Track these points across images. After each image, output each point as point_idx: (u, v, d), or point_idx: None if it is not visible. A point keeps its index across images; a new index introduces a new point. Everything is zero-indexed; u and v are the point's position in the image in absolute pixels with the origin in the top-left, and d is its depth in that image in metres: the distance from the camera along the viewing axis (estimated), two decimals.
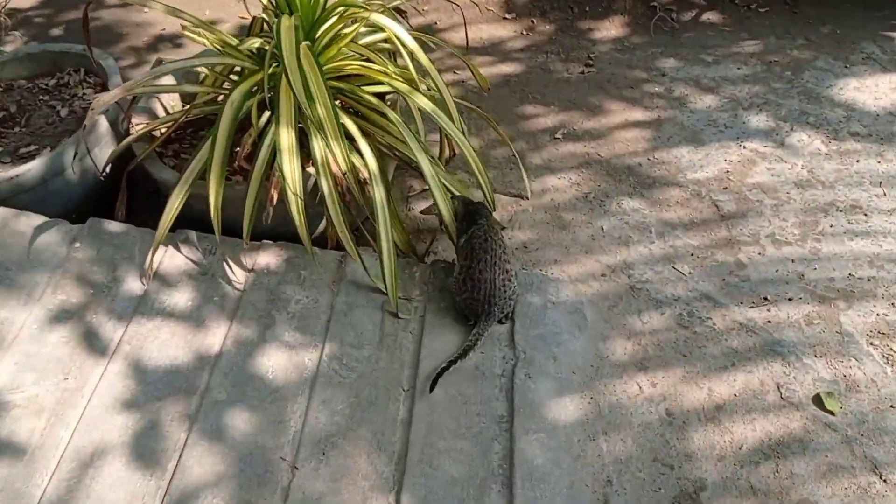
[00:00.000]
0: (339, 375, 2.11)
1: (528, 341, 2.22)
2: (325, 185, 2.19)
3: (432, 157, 2.52)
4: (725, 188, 2.82)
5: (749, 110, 3.17)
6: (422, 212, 2.76)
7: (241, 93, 2.27)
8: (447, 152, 2.87)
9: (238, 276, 2.33)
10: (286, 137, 2.16)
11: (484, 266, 2.20)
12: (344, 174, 2.15)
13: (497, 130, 2.78)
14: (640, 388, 2.17)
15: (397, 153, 2.50)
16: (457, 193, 2.49)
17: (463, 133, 2.54)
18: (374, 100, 2.42)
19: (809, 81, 3.31)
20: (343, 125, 2.27)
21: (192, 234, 2.42)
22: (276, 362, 2.12)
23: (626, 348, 2.27)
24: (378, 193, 2.26)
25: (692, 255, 2.57)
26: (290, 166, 2.14)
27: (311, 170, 2.33)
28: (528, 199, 2.82)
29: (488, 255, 2.22)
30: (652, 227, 2.68)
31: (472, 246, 2.25)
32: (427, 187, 2.36)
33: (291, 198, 2.13)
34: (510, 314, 2.28)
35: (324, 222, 2.53)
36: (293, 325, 2.22)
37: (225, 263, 2.35)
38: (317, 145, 2.17)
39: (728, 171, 2.89)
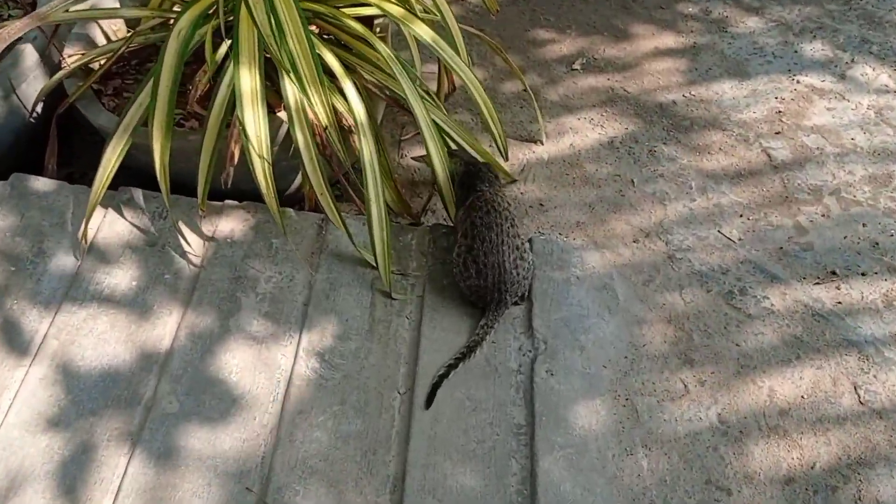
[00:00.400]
0: (319, 377, 1.71)
1: (550, 327, 1.83)
2: (300, 137, 1.75)
3: (429, 95, 2.07)
4: (778, 132, 2.38)
5: (801, 36, 2.70)
6: (414, 158, 2.31)
7: (191, 19, 1.80)
8: (446, 86, 2.42)
9: (195, 247, 1.91)
10: (248, 80, 1.70)
11: (489, 247, 1.78)
12: (325, 128, 1.70)
13: (507, 61, 2.33)
14: (686, 386, 1.79)
15: (387, 92, 2.05)
16: (468, 149, 2.05)
17: (469, 68, 2.08)
18: (359, 27, 1.95)
19: (869, 2, 2.83)
20: (321, 59, 1.81)
21: (138, 193, 1.98)
22: (241, 361, 1.72)
23: (665, 335, 1.88)
24: (366, 147, 1.82)
25: (741, 216, 2.15)
26: (253, 116, 1.69)
27: (282, 114, 1.88)
28: (542, 144, 2.38)
29: (492, 232, 1.80)
30: (692, 181, 2.26)
31: (473, 221, 1.83)
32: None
33: (256, 161, 1.68)
34: (525, 294, 1.88)
35: (299, 177, 2.09)
36: (263, 310, 1.81)
37: (178, 232, 1.92)
38: (289, 89, 1.72)
39: (780, 112, 2.44)
